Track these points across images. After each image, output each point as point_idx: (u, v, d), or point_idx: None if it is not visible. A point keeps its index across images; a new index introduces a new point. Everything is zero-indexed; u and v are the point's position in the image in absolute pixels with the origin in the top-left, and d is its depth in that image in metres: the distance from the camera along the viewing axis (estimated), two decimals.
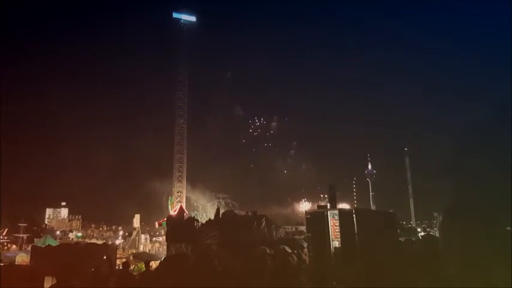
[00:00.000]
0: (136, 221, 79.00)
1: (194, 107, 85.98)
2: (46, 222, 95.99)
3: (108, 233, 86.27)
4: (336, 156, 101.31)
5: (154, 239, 79.62)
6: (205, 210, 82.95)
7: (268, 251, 46.34)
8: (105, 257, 44.17)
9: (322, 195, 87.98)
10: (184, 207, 78.89)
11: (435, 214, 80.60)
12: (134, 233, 76.50)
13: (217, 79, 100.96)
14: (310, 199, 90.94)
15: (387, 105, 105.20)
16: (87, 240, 74.08)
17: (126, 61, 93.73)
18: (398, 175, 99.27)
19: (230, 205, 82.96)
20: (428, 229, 77.96)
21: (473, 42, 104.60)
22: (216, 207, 69.54)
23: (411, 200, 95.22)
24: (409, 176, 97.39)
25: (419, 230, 78.36)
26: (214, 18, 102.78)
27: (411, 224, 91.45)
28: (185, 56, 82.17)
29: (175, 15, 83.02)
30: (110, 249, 51.68)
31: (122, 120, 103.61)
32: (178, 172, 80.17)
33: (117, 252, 59.68)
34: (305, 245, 48.28)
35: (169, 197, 78.25)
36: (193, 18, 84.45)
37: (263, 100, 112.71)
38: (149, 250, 73.45)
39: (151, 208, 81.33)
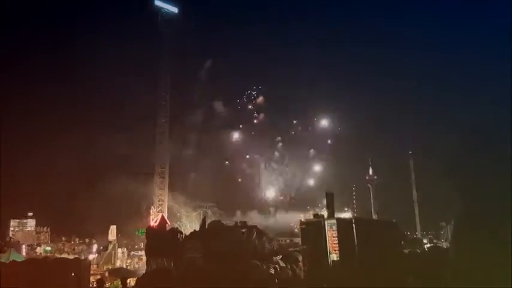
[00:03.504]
0: (112, 233, 77.63)
1: (177, 105, 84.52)
2: (10, 235, 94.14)
3: (80, 247, 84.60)
4: (333, 160, 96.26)
5: (132, 253, 78.60)
6: (190, 220, 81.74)
7: (259, 264, 46.97)
8: (73, 274, 43.85)
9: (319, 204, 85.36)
10: (166, 217, 77.51)
11: (442, 224, 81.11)
12: (110, 247, 75.54)
13: (201, 76, 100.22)
14: (304, 207, 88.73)
15: (390, 105, 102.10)
16: (57, 255, 72.75)
17: (102, 54, 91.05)
18: (402, 181, 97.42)
19: (217, 215, 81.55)
20: (435, 240, 79.16)
21: (474, 40, 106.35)
22: (201, 217, 69.17)
23: (416, 209, 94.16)
24: (413, 180, 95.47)
25: (425, 241, 78.68)
26: (197, 9, 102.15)
27: (416, 234, 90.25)
28: (168, 49, 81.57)
29: (157, 2, 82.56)
30: (82, 265, 50.91)
31: (97, 121, 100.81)
32: (160, 178, 78.78)
33: (91, 268, 58.50)
34: (300, 258, 48.71)
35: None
36: (175, 9, 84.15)
37: (249, 96, 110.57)
38: (127, 265, 72.91)
39: (129, 218, 79.39)
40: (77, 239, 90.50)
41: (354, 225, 40.53)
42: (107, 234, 78.53)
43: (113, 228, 78.74)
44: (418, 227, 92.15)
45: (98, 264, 70.67)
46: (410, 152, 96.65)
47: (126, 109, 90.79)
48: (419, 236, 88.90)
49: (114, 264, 72.44)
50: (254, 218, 75.37)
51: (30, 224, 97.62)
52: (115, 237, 78.28)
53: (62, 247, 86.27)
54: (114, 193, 73.28)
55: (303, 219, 56.04)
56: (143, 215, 79.24)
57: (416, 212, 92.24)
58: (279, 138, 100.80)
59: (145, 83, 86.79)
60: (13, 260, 52.56)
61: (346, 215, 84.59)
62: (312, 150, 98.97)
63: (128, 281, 47.71)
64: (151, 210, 78.13)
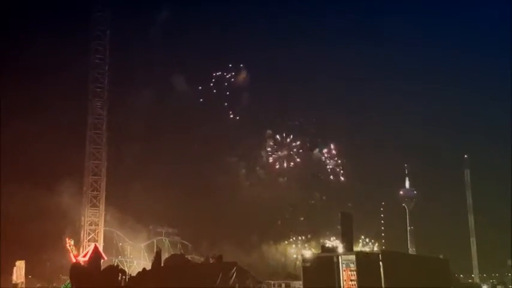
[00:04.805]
0: (19, 272, 74.61)
1: (119, 83, 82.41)
2: None
3: None
4: (350, 167, 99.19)
5: None
6: (137, 254, 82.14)
7: None
8: None
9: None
10: (101, 249, 75.49)
11: (510, 263, 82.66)
12: None
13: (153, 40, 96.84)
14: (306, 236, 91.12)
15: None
16: None
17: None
18: (453, 199, 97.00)
19: (179, 246, 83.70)
20: (499, 287, 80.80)
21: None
22: (155, 250, 70.40)
23: (473, 240, 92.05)
24: (470, 200, 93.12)
25: (485, 287, 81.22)
26: None
27: (473, 277, 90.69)
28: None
29: None
30: None
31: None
32: (93, 191, 76.04)
33: None
34: None
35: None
36: None
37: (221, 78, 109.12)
38: None
39: (45, 250, 77.98)
40: None
41: (381, 262, 40.32)
42: (11, 274, 75.34)
43: (20, 266, 75.12)
44: (476, 267, 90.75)
45: None
46: (466, 157, 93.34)
47: (45, 88, 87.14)
48: (476, 279, 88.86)
49: None
50: (233, 252, 75.18)
51: None
52: (23, 280, 74.78)
53: None
54: (23, 213, 72.81)
55: (305, 254, 55.19)
56: (65, 247, 76.90)
57: (474, 244, 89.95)
58: (270, 132, 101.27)
59: (75, 47, 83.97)
60: None
61: (370, 247, 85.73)
62: (317, 151, 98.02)
63: None
64: (67, 244, 75.35)
